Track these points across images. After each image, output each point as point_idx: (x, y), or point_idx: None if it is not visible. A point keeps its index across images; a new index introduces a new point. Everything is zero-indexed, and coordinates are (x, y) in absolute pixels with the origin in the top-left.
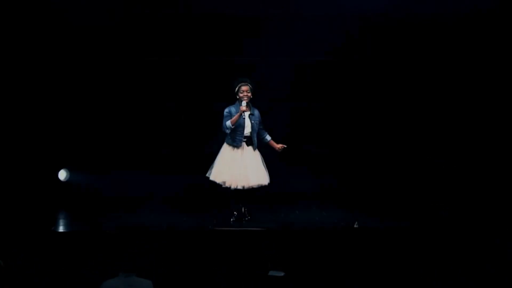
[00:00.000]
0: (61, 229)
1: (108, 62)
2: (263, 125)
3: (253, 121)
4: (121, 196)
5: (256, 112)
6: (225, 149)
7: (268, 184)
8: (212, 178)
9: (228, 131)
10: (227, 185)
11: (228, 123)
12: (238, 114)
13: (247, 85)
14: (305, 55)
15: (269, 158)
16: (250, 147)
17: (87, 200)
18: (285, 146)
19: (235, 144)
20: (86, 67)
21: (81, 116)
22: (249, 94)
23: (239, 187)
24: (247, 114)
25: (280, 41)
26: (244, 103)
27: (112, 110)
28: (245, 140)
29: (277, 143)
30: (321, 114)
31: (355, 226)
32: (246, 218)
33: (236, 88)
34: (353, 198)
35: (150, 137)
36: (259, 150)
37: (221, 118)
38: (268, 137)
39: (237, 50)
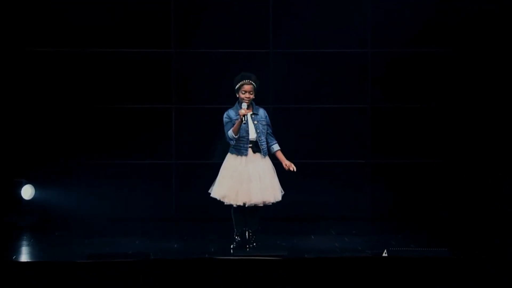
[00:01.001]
0: (23, 258)
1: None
2: (272, 129)
3: (256, 121)
4: (94, 215)
5: (262, 111)
6: (229, 158)
7: (278, 201)
8: (212, 194)
9: (233, 142)
10: (226, 201)
11: (231, 133)
12: (238, 121)
13: (250, 83)
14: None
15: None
16: (258, 154)
17: (53, 221)
18: (294, 168)
19: (241, 154)
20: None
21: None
22: (252, 96)
23: (240, 203)
24: (249, 115)
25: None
26: (244, 105)
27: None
28: (250, 146)
29: (290, 158)
30: (336, 117)
31: (384, 254)
32: (251, 245)
33: (237, 86)
34: (382, 219)
35: (128, 143)
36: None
37: (222, 126)
38: (276, 147)
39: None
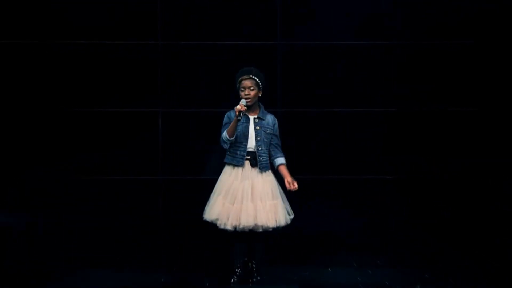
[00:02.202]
0: None
1: None
2: (279, 141)
3: (259, 127)
4: (67, 245)
5: (270, 117)
6: (225, 171)
7: (286, 225)
8: (205, 216)
9: (226, 146)
10: (220, 224)
11: (225, 134)
12: (234, 120)
13: (250, 78)
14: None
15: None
16: (256, 170)
17: (14, 249)
18: (296, 187)
19: (236, 163)
20: None
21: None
22: (253, 93)
23: (229, 227)
24: (252, 118)
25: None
26: (243, 101)
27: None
28: (248, 157)
29: (295, 176)
30: (358, 124)
31: None
32: (255, 279)
33: (237, 83)
34: (414, 247)
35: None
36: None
37: (218, 130)
38: (280, 160)
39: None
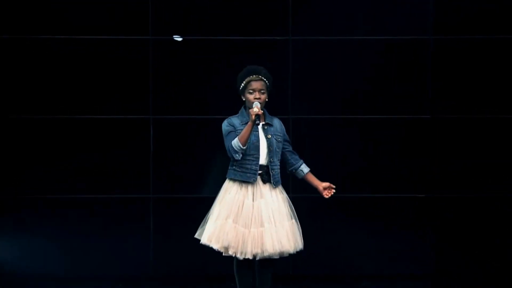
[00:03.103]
0: None
1: None
2: (290, 145)
3: (270, 136)
4: (36, 275)
5: (276, 122)
6: (228, 188)
7: (300, 250)
8: (204, 240)
9: (238, 156)
10: (234, 253)
11: (236, 142)
12: (249, 125)
13: (260, 79)
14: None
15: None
16: (269, 186)
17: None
18: (334, 188)
19: (247, 179)
20: None
21: None
22: (263, 97)
23: (248, 255)
24: (260, 124)
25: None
26: (257, 104)
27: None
28: (260, 172)
29: (322, 180)
30: (382, 133)
31: None
32: None
33: (242, 85)
34: (449, 278)
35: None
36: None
37: (219, 139)
38: (305, 168)
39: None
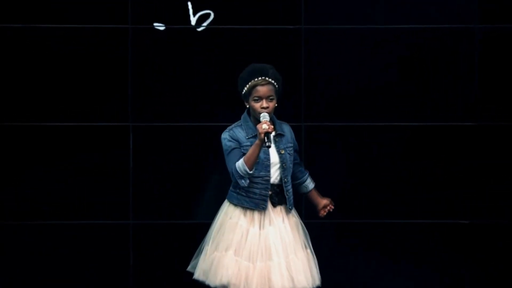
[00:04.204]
0: None
1: None
2: (298, 155)
3: (282, 149)
4: None
5: (286, 129)
6: (229, 213)
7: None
8: (198, 275)
9: (245, 183)
10: None
11: (242, 165)
12: (256, 144)
13: (268, 82)
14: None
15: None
16: (280, 209)
17: None
18: (333, 206)
19: (254, 206)
20: None
21: None
22: (272, 104)
23: None
24: (271, 136)
25: None
26: (265, 115)
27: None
28: (270, 193)
29: (323, 195)
30: (417, 143)
31: None
32: None
33: (245, 89)
34: None
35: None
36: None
37: (214, 152)
38: (310, 184)
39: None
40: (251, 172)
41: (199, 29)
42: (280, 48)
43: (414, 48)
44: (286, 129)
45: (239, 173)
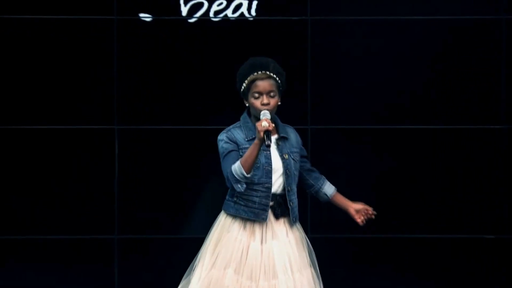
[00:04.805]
0: None
1: None
2: (308, 160)
3: (286, 154)
4: None
5: (291, 132)
6: (226, 227)
7: None
8: None
9: (241, 188)
10: None
11: (238, 167)
12: (255, 144)
13: (269, 77)
14: None
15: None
16: (283, 222)
17: None
18: (374, 212)
19: (254, 217)
20: None
21: None
22: (273, 101)
23: None
24: (273, 138)
25: None
26: (266, 113)
27: None
28: (272, 203)
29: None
30: (441, 148)
31: None
32: None
33: (244, 85)
34: None
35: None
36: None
37: (208, 157)
38: (329, 189)
39: None
40: (248, 175)
41: (191, 21)
42: (284, 42)
43: (434, 40)
44: (291, 132)
45: (235, 177)
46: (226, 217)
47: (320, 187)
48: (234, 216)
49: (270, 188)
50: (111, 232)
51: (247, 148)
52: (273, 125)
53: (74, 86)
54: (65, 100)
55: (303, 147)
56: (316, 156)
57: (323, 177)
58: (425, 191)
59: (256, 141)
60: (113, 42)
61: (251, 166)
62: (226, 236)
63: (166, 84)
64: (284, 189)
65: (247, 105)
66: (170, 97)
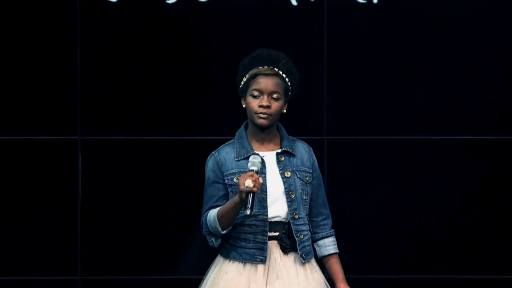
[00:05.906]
0: None
1: None
2: (324, 193)
3: (289, 172)
4: None
5: (302, 148)
6: (223, 268)
7: None
8: None
9: (214, 243)
10: None
11: (214, 219)
12: (233, 200)
13: (274, 73)
14: None
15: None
16: (294, 258)
17: None
18: None
19: (247, 259)
20: None
21: None
22: (276, 105)
23: None
24: (271, 155)
25: None
26: (255, 162)
27: None
28: (276, 235)
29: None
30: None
31: None
32: None
33: (244, 80)
34: None
35: None
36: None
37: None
38: (332, 246)
39: None
40: (223, 232)
41: (170, 1)
42: (288, 29)
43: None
44: (301, 147)
45: (209, 229)
46: (219, 259)
47: (323, 237)
48: (227, 257)
49: (266, 220)
50: (73, 273)
51: (233, 174)
52: (261, 181)
53: (28, 87)
54: (17, 104)
55: (319, 170)
56: (331, 167)
57: (331, 224)
58: (458, 215)
59: (236, 198)
60: (75, 33)
61: (229, 224)
62: (224, 278)
63: (140, 85)
64: (288, 215)
65: (244, 106)
66: (146, 100)
